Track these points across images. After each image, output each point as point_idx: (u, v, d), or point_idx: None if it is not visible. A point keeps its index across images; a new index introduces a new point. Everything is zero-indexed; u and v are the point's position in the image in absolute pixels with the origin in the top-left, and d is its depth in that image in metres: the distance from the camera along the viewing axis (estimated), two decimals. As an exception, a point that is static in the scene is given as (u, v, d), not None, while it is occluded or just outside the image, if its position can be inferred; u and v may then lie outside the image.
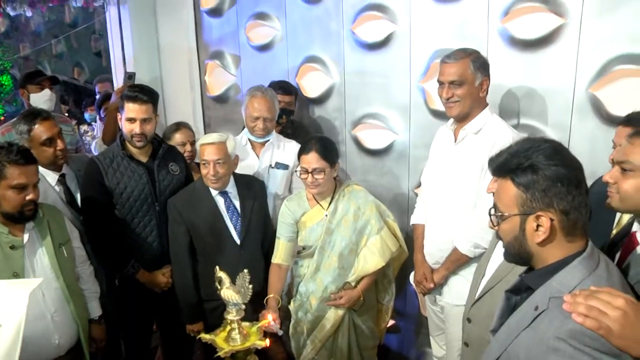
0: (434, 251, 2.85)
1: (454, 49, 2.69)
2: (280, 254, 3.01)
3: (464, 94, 2.59)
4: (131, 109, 2.92)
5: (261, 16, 4.12)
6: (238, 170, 3.12)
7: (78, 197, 3.10)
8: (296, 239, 3.02)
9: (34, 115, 2.94)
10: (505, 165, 1.46)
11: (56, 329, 2.56)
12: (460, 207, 2.68)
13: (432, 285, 2.83)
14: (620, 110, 2.58)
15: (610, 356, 1.23)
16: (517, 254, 1.50)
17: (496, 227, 1.54)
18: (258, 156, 3.36)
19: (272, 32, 4.09)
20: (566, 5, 2.72)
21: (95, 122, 5.92)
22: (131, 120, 2.92)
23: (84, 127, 6.43)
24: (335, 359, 3.02)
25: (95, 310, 2.88)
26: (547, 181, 1.38)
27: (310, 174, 2.78)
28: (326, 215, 2.90)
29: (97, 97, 5.25)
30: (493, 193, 2.16)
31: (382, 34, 3.43)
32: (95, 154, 4.00)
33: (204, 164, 2.90)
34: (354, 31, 3.57)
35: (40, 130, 2.90)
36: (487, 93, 2.66)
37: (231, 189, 3.03)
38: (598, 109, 2.70)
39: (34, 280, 2.01)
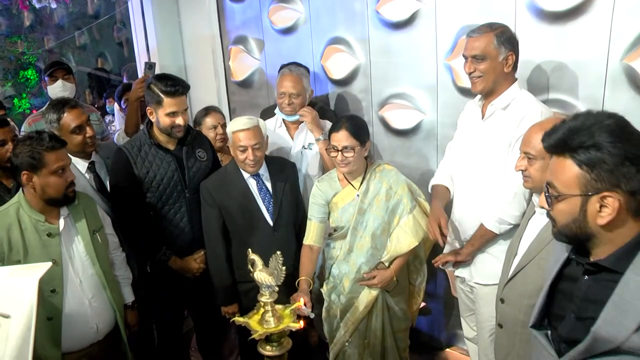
0: (459, 231, 2.84)
1: (480, 25, 2.65)
2: (312, 235, 3.01)
3: (486, 69, 2.56)
4: (172, 104, 2.92)
5: (284, -1, 4.11)
6: (274, 153, 3.17)
7: (107, 184, 3.14)
8: (327, 220, 3.02)
9: (63, 104, 2.99)
10: (565, 142, 1.39)
11: (94, 314, 2.63)
12: (487, 184, 2.66)
13: (444, 231, 2.65)
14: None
15: None
16: (575, 235, 1.44)
17: (549, 208, 1.48)
18: (292, 138, 3.36)
19: (296, 15, 4.07)
20: (597, -27, 2.64)
21: (114, 113, 6.00)
22: (174, 114, 2.93)
23: (108, 118, 6.51)
24: (369, 341, 3.03)
25: (128, 296, 2.95)
26: (614, 160, 1.31)
27: (340, 152, 2.77)
28: (358, 195, 2.90)
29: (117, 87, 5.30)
30: (522, 170, 2.14)
31: (407, 13, 3.39)
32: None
33: (242, 149, 2.89)
34: (378, 11, 3.53)
35: (70, 118, 2.95)
36: (513, 68, 2.61)
37: (263, 171, 3.05)
38: (633, 79, 2.63)
39: (43, 265, 2.02)
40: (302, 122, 3.37)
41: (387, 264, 2.92)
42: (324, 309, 3.09)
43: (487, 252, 2.73)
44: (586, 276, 1.48)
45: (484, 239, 2.69)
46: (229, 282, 3.05)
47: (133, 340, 2.98)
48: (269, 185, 3.05)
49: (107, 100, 6.47)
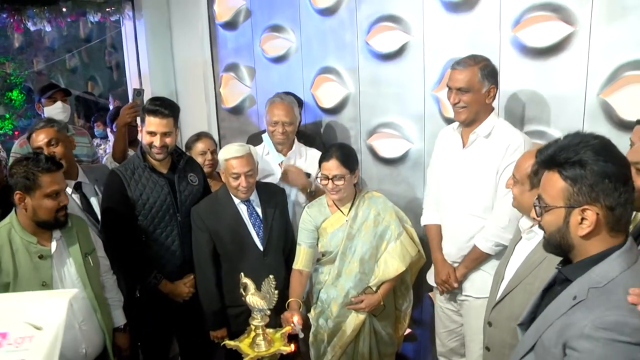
0: (453, 251, 2.93)
1: (464, 57, 2.79)
2: (301, 260, 3.06)
3: (470, 101, 2.70)
4: (152, 123, 2.95)
5: (276, 28, 4.20)
6: (262, 179, 3.25)
7: (95, 205, 3.16)
8: (317, 245, 3.08)
9: (35, 124, 3.09)
10: (553, 158, 1.49)
11: (84, 338, 2.60)
12: (477, 208, 2.79)
13: (456, 285, 2.90)
14: (631, 115, 2.64)
15: None
16: (558, 244, 1.53)
17: (539, 218, 1.59)
18: (280, 164, 3.42)
19: (287, 44, 4.16)
20: (575, 13, 2.78)
21: (105, 137, 6.02)
22: (151, 133, 2.96)
23: (96, 141, 6.52)
24: None
25: (120, 318, 2.92)
26: (595, 176, 1.41)
27: (330, 180, 2.85)
28: (347, 221, 2.96)
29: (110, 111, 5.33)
30: (511, 188, 2.26)
31: (396, 45, 3.50)
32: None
33: (235, 177, 2.94)
34: (368, 42, 3.63)
35: (36, 137, 3.03)
36: (494, 99, 2.77)
37: (253, 196, 3.10)
38: (609, 114, 2.76)
39: (71, 290, 2.07)
40: (292, 150, 3.43)
41: (374, 289, 2.97)
42: (311, 334, 3.11)
43: (479, 268, 2.86)
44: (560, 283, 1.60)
45: (478, 261, 2.83)
46: (219, 306, 3.07)
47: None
48: (259, 210, 3.10)
49: (95, 124, 6.49)
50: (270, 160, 3.45)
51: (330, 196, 2.96)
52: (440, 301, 3.13)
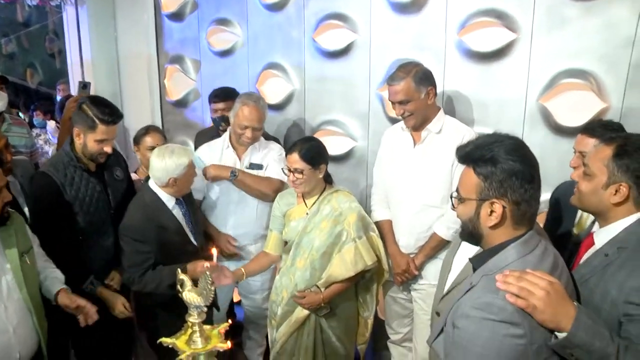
0: (411, 242, 3.01)
1: (410, 60, 2.86)
2: (270, 245, 3.13)
3: (413, 109, 2.83)
4: (105, 132, 2.85)
5: (223, 22, 4.15)
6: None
7: (20, 203, 2.99)
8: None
9: None
10: (469, 155, 1.60)
11: (18, 342, 2.42)
12: (435, 199, 2.90)
13: (416, 272, 3.00)
14: (567, 120, 2.75)
15: (508, 324, 1.42)
16: (470, 233, 1.66)
17: (455, 208, 1.70)
18: (239, 158, 3.36)
19: (234, 38, 4.12)
20: (518, 21, 2.87)
21: (44, 127, 5.82)
22: (103, 141, 2.86)
23: (35, 131, 6.30)
24: (299, 357, 3.06)
25: (55, 287, 2.68)
26: (503, 174, 1.52)
27: (292, 173, 2.87)
28: (307, 214, 2.96)
29: (59, 99, 5.15)
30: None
31: (342, 43, 3.51)
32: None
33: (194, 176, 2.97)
34: (315, 39, 3.63)
35: None
36: (435, 98, 2.87)
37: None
38: (547, 119, 2.85)
39: None
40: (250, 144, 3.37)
41: (322, 289, 2.95)
42: (268, 318, 3.18)
43: (435, 256, 2.98)
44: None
45: (437, 248, 2.96)
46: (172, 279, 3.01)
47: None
48: (186, 207, 3.08)
49: (34, 113, 6.28)
50: (230, 155, 3.36)
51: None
52: (392, 291, 3.22)
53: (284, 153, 3.24)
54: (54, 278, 2.71)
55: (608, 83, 2.68)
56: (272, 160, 3.34)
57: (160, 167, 2.84)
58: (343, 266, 2.87)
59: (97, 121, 2.83)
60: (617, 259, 1.68)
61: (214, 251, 2.55)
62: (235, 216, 3.39)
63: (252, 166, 3.37)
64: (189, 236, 3.04)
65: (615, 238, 1.73)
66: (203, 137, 3.81)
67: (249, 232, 3.43)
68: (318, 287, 2.93)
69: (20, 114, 6.38)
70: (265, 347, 3.95)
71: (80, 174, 2.91)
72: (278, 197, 3.14)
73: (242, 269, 3.03)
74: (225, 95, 3.72)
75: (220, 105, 3.70)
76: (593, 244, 1.81)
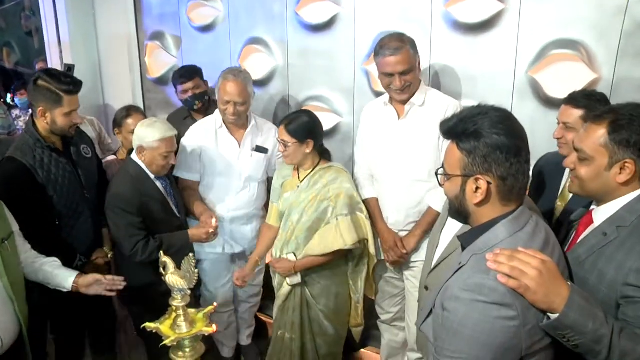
0: (401, 219, 2.95)
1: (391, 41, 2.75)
2: (272, 217, 3.19)
3: (412, 79, 2.76)
4: (72, 102, 2.77)
5: (203, -4, 4.04)
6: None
7: None
8: None
9: None
10: (452, 130, 1.54)
11: (0, 330, 2.35)
12: (422, 173, 2.84)
13: (404, 251, 2.93)
14: (557, 92, 2.69)
15: (500, 305, 1.37)
16: (457, 211, 1.61)
17: (441, 185, 1.65)
18: (238, 140, 3.28)
19: (215, 13, 4.01)
20: (506, -10, 2.79)
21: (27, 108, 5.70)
22: (71, 113, 2.78)
23: (15, 112, 6.17)
24: (284, 332, 3.12)
25: (68, 275, 2.59)
26: (487, 148, 1.46)
27: (280, 144, 2.93)
28: (298, 187, 2.99)
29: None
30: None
31: (326, 16, 3.42)
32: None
33: (165, 156, 2.93)
34: (297, 12, 3.54)
35: None
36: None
37: None
38: (537, 91, 2.79)
39: None
40: (252, 124, 3.32)
41: (297, 258, 2.96)
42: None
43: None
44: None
45: (433, 222, 2.80)
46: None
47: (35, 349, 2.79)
48: (169, 182, 3.13)
49: (17, 93, 6.14)
50: (224, 135, 3.28)
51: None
52: (382, 271, 3.17)
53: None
54: (54, 266, 2.61)
55: (599, 53, 2.61)
56: (276, 143, 3.29)
57: (137, 131, 2.94)
58: (322, 242, 2.89)
59: (61, 94, 2.74)
60: (616, 238, 1.60)
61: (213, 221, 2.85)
62: (236, 197, 3.35)
63: (259, 149, 3.32)
64: (173, 208, 3.06)
65: (614, 216, 1.64)
66: (174, 119, 3.73)
67: (247, 213, 3.41)
68: (295, 255, 2.96)
69: (15, 98, 6.23)
70: (255, 328, 3.94)
71: (49, 154, 2.81)
72: (277, 169, 3.22)
73: (255, 256, 3.20)
74: (190, 74, 3.67)
75: (189, 84, 3.65)
76: (592, 222, 1.72)
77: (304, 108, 3.64)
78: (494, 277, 1.39)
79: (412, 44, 2.74)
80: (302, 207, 2.94)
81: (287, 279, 2.99)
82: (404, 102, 2.85)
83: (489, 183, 1.48)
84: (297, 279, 2.97)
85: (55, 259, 2.66)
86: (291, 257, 2.95)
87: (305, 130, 2.88)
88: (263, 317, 4.08)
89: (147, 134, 2.89)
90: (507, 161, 1.45)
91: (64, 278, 2.56)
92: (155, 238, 2.96)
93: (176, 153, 3.10)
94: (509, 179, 1.47)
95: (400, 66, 2.71)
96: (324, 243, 2.88)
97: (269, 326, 3.96)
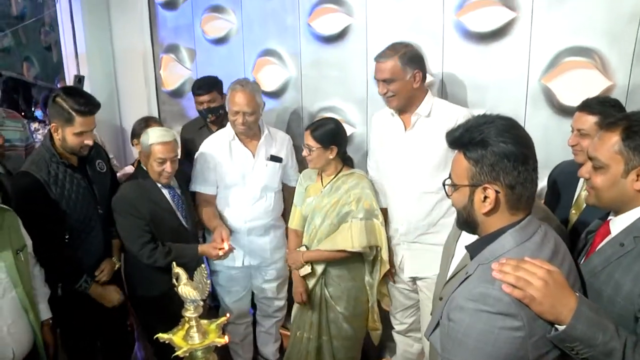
0: (410, 229, 2.94)
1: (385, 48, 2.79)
2: (296, 220, 3.26)
3: (396, 89, 2.76)
4: (84, 123, 2.76)
5: (216, 9, 4.07)
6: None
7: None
8: None
9: None
10: (459, 140, 1.53)
11: (12, 340, 2.40)
12: (431, 186, 2.80)
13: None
14: (571, 100, 2.66)
15: (505, 316, 1.35)
16: (466, 221, 1.59)
17: (449, 196, 1.62)
18: (252, 151, 3.30)
19: (228, 25, 4.04)
20: (517, -1, 2.77)
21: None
22: (82, 134, 2.77)
23: (34, 125, 6.24)
24: (302, 332, 3.20)
25: (45, 312, 2.71)
26: (494, 157, 1.44)
27: (305, 148, 3.01)
28: (321, 192, 3.05)
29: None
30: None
31: (338, 27, 3.43)
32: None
33: (160, 162, 2.92)
34: (310, 24, 3.55)
35: None
36: (422, 83, 2.79)
37: (172, 180, 3.13)
38: (550, 99, 2.77)
39: None
40: (265, 133, 3.34)
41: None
42: None
43: (431, 250, 2.80)
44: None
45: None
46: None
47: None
48: (179, 192, 3.13)
49: (37, 107, 6.24)
50: (238, 146, 3.30)
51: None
52: (398, 284, 3.16)
53: (292, 142, 3.48)
54: (40, 296, 2.70)
55: (613, 60, 2.58)
56: (289, 152, 3.43)
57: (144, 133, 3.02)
58: (332, 239, 2.99)
59: (73, 113, 2.74)
60: (634, 248, 1.56)
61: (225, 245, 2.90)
62: (252, 208, 3.35)
63: (273, 158, 3.34)
64: (180, 218, 3.07)
65: (631, 226, 1.60)
66: (190, 128, 3.77)
67: (264, 224, 3.41)
68: (307, 247, 3.08)
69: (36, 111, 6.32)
70: (281, 343, 3.92)
71: (63, 170, 2.82)
72: (303, 173, 3.27)
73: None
74: (208, 87, 3.67)
75: (205, 97, 3.65)
76: (609, 232, 1.68)
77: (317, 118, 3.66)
78: (499, 286, 1.37)
79: (406, 56, 2.72)
80: (324, 212, 3.01)
81: (299, 270, 3.09)
82: (398, 112, 2.87)
83: (497, 192, 1.46)
84: (307, 269, 3.06)
85: (47, 290, 2.75)
86: (302, 249, 3.07)
87: (330, 136, 2.95)
88: (282, 330, 4.05)
89: (144, 139, 2.96)
90: (515, 169, 1.44)
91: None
92: (165, 245, 2.98)
93: (189, 163, 3.12)
94: (517, 187, 1.46)
95: (380, 73, 2.77)
96: (333, 240, 2.97)
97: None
